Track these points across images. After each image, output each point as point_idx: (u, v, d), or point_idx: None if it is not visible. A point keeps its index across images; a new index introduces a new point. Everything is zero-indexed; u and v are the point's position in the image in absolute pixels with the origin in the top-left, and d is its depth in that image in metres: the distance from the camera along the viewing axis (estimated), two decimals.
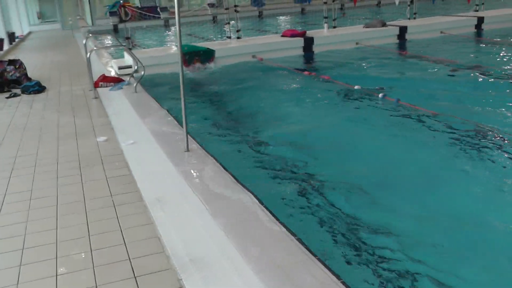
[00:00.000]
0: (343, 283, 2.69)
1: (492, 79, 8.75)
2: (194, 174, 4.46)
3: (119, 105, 7.30)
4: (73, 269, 3.04)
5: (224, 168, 4.56)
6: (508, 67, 9.70)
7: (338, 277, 2.75)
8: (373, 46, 12.43)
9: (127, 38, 10.19)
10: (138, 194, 4.11)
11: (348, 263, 3.45)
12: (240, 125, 6.92)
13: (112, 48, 12.67)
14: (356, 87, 8.30)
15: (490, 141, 5.60)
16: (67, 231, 3.55)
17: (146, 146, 5.35)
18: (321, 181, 4.81)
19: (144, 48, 13.72)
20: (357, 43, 12.67)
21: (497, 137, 5.69)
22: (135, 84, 8.09)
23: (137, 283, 2.84)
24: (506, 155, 5.20)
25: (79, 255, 3.20)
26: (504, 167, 5.02)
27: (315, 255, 2.99)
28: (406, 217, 4.07)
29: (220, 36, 18.73)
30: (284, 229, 3.34)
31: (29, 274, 3.03)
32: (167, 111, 6.74)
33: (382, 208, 4.26)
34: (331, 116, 7.20)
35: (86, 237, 3.43)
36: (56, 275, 2.99)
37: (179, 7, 4.58)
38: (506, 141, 5.55)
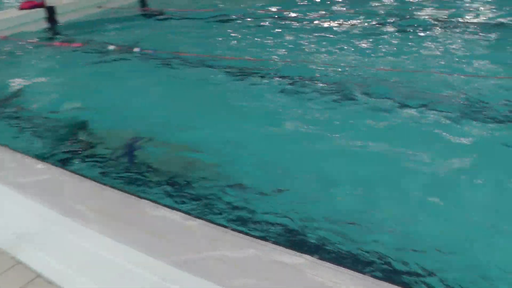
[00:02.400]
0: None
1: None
2: None
3: None
4: None
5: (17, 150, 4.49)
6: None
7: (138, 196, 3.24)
8: (115, 8, 12.66)
9: None
10: None
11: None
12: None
13: None
14: (110, 47, 8.55)
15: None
16: None
17: None
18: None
19: None
20: (99, 7, 12.64)
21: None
22: None
23: None
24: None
25: None
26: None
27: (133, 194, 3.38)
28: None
29: None
30: (94, 183, 3.62)
31: None
32: None
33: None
34: (95, 79, 7.35)
35: None
36: None
37: None
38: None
